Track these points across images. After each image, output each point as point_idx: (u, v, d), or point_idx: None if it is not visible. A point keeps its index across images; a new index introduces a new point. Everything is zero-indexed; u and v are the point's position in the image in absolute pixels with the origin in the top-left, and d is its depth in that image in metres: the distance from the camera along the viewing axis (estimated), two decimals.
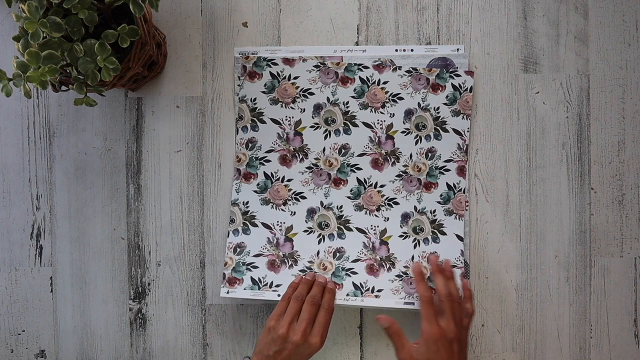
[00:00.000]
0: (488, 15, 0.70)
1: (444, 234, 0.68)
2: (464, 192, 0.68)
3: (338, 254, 0.68)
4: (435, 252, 0.67)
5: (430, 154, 0.69)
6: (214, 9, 0.70)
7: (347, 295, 0.67)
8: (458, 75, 0.69)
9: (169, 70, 0.70)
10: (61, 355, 0.70)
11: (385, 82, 0.69)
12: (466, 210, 0.69)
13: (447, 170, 0.69)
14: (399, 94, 0.69)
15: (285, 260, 0.68)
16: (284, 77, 0.68)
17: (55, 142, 0.70)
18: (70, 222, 0.70)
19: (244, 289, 0.67)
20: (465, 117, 0.69)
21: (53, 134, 0.70)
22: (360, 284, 0.67)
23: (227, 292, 0.67)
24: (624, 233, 0.70)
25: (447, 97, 0.69)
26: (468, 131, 0.69)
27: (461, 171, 0.69)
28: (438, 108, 0.69)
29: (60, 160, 0.70)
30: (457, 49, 0.69)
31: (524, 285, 0.70)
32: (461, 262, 0.67)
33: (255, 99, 0.69)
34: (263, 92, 0.69)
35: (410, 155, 0.69)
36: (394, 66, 0.68)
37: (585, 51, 0.70)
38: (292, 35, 0.70)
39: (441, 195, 0.68)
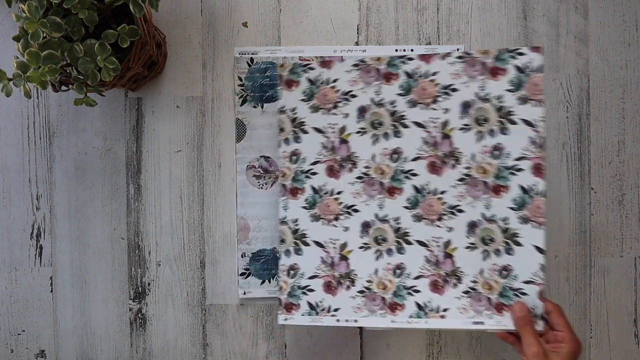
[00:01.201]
0: (488, 15, 0.70)
1: (519, 244, 0.59)
2: (543, 196, 0.58)
3: (398, 271, 0.61)
4: (509, 264, 0.59)
5: (496, 152, 0.60)
6: (214, 9, 0.70)
7: (410, 317, 0.60)
8: (521, 54, 0.59)
9: (169, 70, 0.70)
10: (61, 355, 0.70)
11: (434, 73, 0.60)
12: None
13: (520, 169, 0.59)
14: (451, 85, 0.60)
15: (342, 281, 0.62)
16: (323, 82, 0.63)
17: (55, 142, 0.70)
18: (70, 222, 0.70)
19: (302, 314, 0.62)
20: (536, 103, 0.58)
21: (53, 134, 0.70)
22: (424, 303, 0.60)
23: (285, 319, 0.62)
24: (624, 233, 0.70)
25: (510, 82, 0.59)
26: (542, 120, 0.58)
27: (538, 170, 0.58)
28: (501, 96, 0.59)
29: (60, 160, 0.70)
30: (457, 49, 0.69)
31: None
32: (540, 279, 0.58)
33: (294, 109, 0.63)
34: (302, 100, 0.63)
35: (473, 155, 0.60)
36: (443, 53, 0.60)
37: (585, 51, 0.70)
38: (292, 35, 0.70)
39: (514, 200, 0.59)
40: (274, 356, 0.70)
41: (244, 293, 0.69)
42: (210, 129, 0.70)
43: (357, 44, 0.70)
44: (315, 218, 0.63)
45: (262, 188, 0.70)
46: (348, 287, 0.62)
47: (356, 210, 0.62)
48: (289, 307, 0.63)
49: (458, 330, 0.62)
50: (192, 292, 0.70)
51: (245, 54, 0.69)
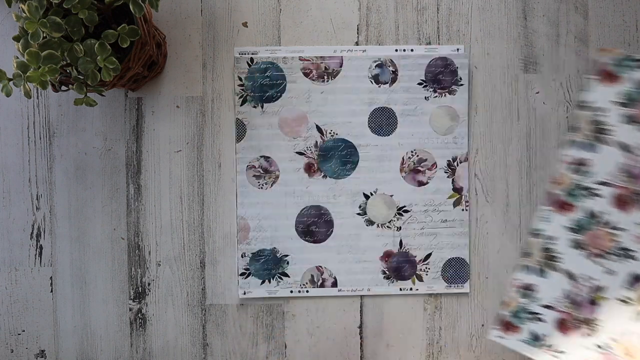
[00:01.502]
0: (488, 15, 0.70)
1: None
2: None
3: None
4: None
5: None
6: (214, 9, 0.70)
7: None
8: None
9: (169, 70, 0.70)
10: (61, 355, 0.70)
11: None
12: None
13: None
14: None
15: (581, 326, 0.53)
16: None
17: (55, 142, 0.70)
18: (70, 222, 0.70)
19: (519, 340, 0.55)
20: None
21: (53, 134, 0.70)
22: None
23: (500, 338, 0.56)
24: None
25: None
26: None
27: None
28: None
29: (60, 160, 0.70)
30: (457, 49, 0.69)
31: None
32: None
33: (602, 110, 0.52)
34: (617, 102, 0.52)
35: None
36: None
37: (585, 51, 0.70)
38: (292, 35, 0.70)
39: None
40: (274, 356, 0.70)
41: (244, 293, 0.69)
42: (210, 129, 0.70)
43: (357, 43, 0.70)
44: (577, 245, 0.53)
45: (262, 188, 0.70)
46: (585, 335, 0.53)
47: (632, 257, 0.51)
48: (507, 327, 0.56)
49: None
50: (192, 292, 0.70)
51: (245, 54, 0.69)
